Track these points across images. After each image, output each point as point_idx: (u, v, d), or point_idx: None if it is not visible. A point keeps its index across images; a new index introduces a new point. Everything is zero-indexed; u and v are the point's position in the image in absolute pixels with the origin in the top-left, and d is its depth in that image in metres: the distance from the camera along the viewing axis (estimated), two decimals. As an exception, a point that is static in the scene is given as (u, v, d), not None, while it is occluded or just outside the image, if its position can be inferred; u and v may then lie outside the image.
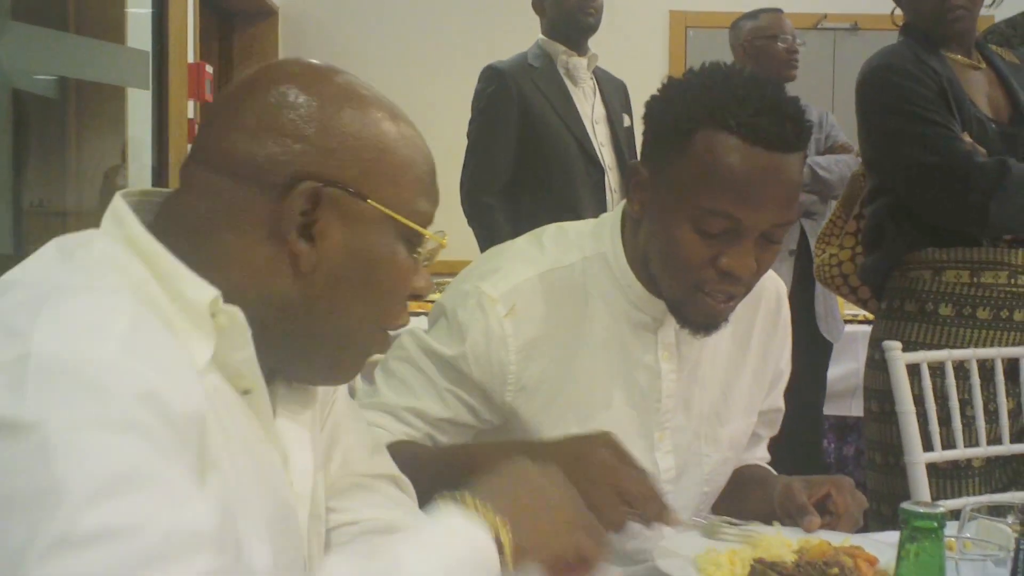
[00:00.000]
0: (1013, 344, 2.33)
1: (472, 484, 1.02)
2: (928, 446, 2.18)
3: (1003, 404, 2.26)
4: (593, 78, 3.76)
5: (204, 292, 0.95)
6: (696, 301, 1.46)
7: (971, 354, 2.25)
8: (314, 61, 1.06)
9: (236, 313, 0.96)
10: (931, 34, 2.44)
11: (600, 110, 3.73)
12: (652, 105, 1.49)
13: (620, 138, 3.72)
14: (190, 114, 4.56)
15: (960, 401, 2.21)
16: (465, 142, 3.70)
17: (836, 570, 1.29)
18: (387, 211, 1.02)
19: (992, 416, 2.27)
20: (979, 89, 2.46)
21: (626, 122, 3.79)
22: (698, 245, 1.42)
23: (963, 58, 2.47)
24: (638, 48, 5.78)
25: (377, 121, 1.03)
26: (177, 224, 1.00)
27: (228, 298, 0.96)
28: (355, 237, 1.01)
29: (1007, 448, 2.27)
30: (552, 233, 1.62)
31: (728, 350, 1.66)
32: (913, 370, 2.19)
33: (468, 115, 3.71)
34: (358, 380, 1.79)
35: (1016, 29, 3.05)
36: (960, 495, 2.26)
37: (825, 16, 6.02)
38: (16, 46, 3.34)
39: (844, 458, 4.25)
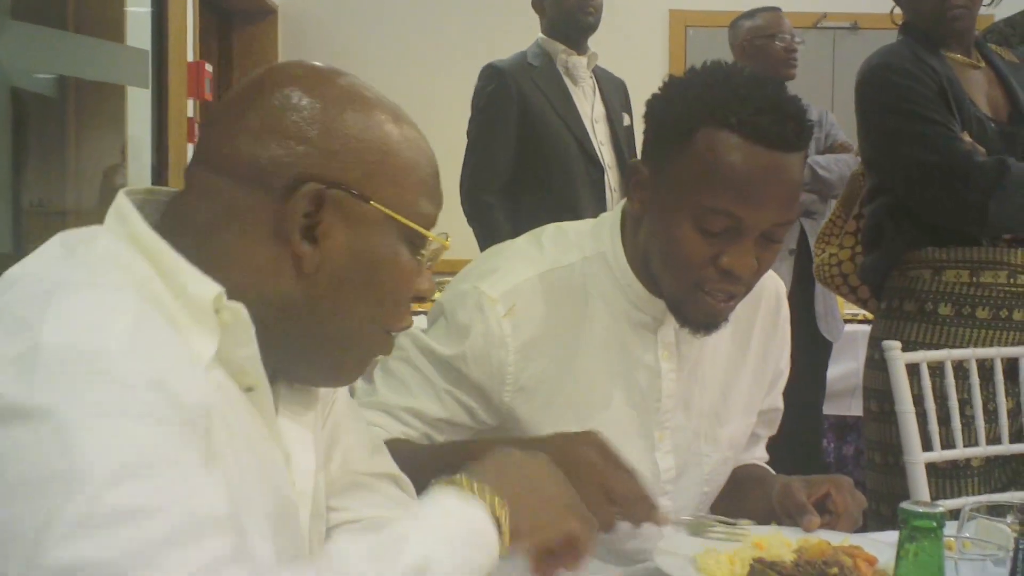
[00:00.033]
0: (1012, 344, 2.33)
1: (466, 469, 1.02)
2: (927, 446, 2.18)
3: (1002, 404, 2.26)
4: (593, 77, 3.76)
5: (208, 288, 0.96)
6: (696, 300, 1.46)
7: (970, 354, 2.25)
8: (318, 64, 1.07)
9: (240, 310, 0.97)
10: (930, 33, 2.44)
11: (600, 109, 3.73)
12: (653, 103, 1.49)
13: (620, 137, 3.72)
14: (190, 113, 4.56)
15: (959, 401, 2.21)
16: (465, 141, 3.70)
17: (835, 570, 1.29)
18: (390, 212, 1.02)
19: (991, 416, 2.27)
20: (978, 88, 2.46)
21: (626, 121, 3.79)
22: (699, 244, 1.41)
23: (962, 57, 2.47)
24: (638, 47, 5.78)
25: (380, 123, 1.03)
26: (181, 225, 1.00)
27: (231, 297, 0.97)
28: (358, 238, 1.02)
29: (1006, 448, 2.27)
30: (551, 233, 1.61)
31: (728, 350, 1.66)
32: (912, 370, 2.19)
33: (468, 114, 3.71)
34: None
35: (1015, 28, 3.05)
36: (959, 495, 2.26)
37: (825, 15, 6.02)
38: (15, 45, 3.35)
39: (843, 457, 4.25)
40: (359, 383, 1.77)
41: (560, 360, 1.53)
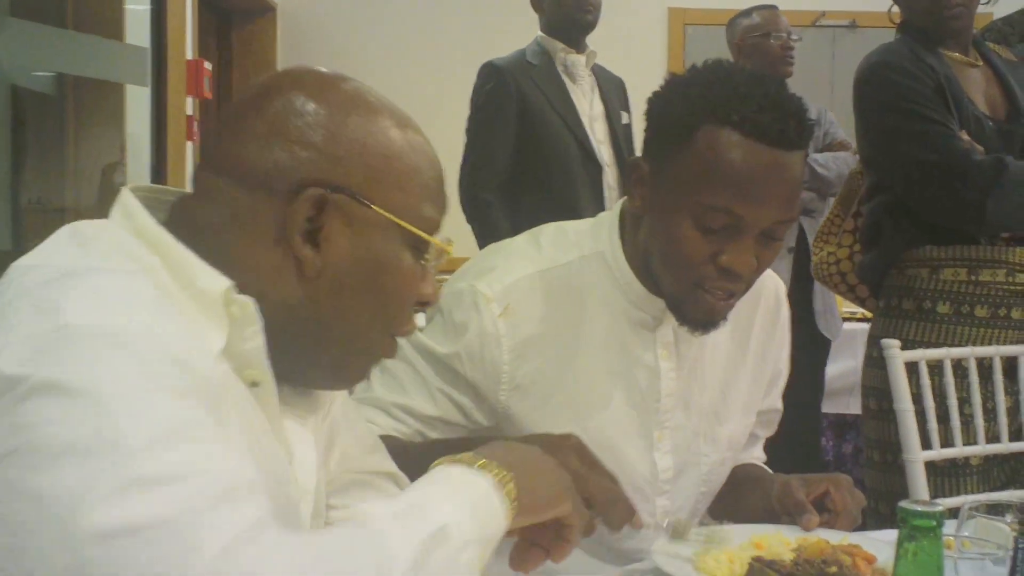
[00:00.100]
0: (1011, 342, 2.34)
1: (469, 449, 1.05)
2: (926, 444, 2.18)
3: (1001, 402, 2.26)
4: (592, 75, 3.75)
5: (217, 282, 0.96)
6: (696, 298, 1.46)
7: (969, 352, 2.25)
8: (323, 69, 1.08)
9: (248, 303, 0.97)
10: (929, 31, 2.44)
11: (599, 107, 3.73)
12: (654, 101, 1.49)
13: (618, 135, 3.72)
14: (189, 111, 4.56)
15: (958, 399, 2.21)
16: (463, 139, 3.70)
17: (834, 568, 1.29)
18: (393, 217, 1.03)
19: (990, 414, 2.27)
20: (976, 87, 2.46)
21: (624, 119, 3.79)
22: (699, 241, 1.41)
23: (960, 56, 2.47)
24: (636, 45, 5.78)
25: (384, 128, 1.04)
26: (187, 226, 1.01)
27: None
28: (361, 243, 1.02)
29: (1005, 446, 2.27)
30: (551, 232, 1.61)
31: (727, 349, 1.65)
32: (911, 368, 2.19)
33: (466, 112, 3.71)
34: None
35: (1013, 27, 3.05)
36: (958, 493, 2.26)
37: (823, 13, 6.02)
38: (14, 43, 3.35)
39: (842, 456, 4.25)
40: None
41: (558, 359, 1.53)
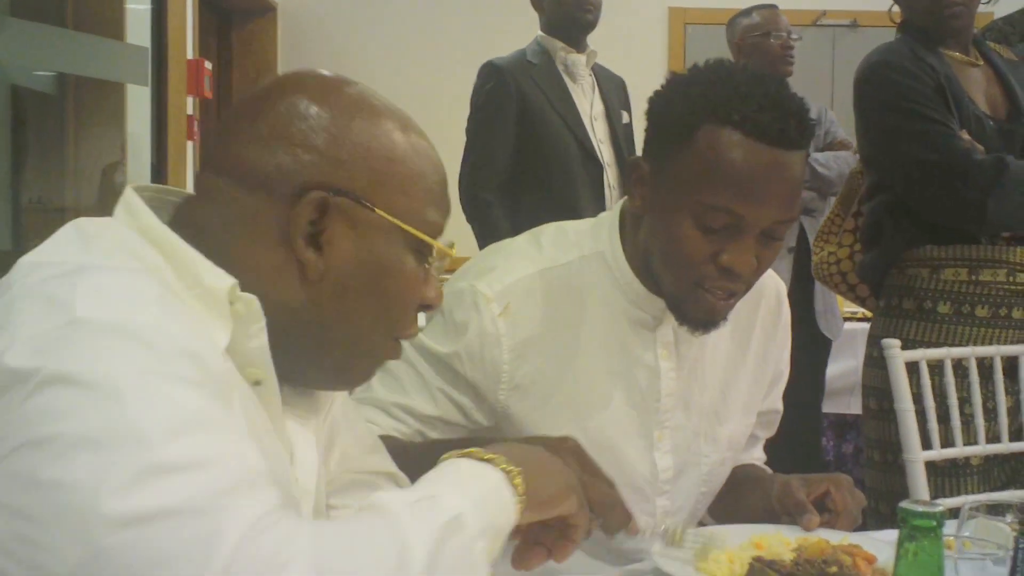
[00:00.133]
0: (1012, 342, 2.33)
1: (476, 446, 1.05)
2: (927, 444, 2.18)
3: (1002, 402, 2.26)
4: (592, 75, 3.75)
5: (222, 280, 0.97)
6: (696, 298, 1.46)
7: (970, 352, 2.25)
8: (327, 72, 1.08)
9: (253, 301, 0.97)
10: (929, 31, 2.44)
11: (599, 107, 3.73)
12: (655, 100, 1.48)
13: (619, 135, 3.72)
14: (189, 110, 4.56)
15: (959, 399, 2.21)
16: (463, 139, 3.69)
17: (835, 568, 1.29)
18: (395, 221, 1.03)
19: (991, 414, 2.27)
20: (977, 86, 2.46)
21: (625, 119, 3.79)
22: (699, 241, 1.41)
23: (961, 55, 2.47)
24: (637, 45, 5.78)
25: (387, 132, 1.04)
26: (191, 228, 1.01)
27: None
28: (363, 246, 1.03)
29: (1006, 446, 2.27)
30: (551, 232, 1.61)
31: (728, 349, 1.65)
32: (912, 368, 2.19)
33: (466, 112, 3.71)
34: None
35: (1014, 26, 3.05)
36: (959, 493, 2.26)
37: (824, 13, 6.02)
38: (15, 42, 3.35)
39: (843, 456, 4.25)
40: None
41: (558, 359, 1.53)
